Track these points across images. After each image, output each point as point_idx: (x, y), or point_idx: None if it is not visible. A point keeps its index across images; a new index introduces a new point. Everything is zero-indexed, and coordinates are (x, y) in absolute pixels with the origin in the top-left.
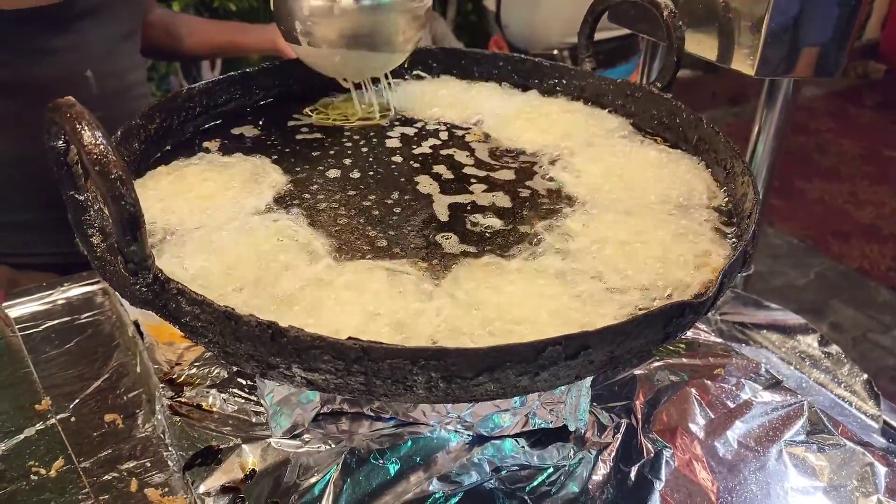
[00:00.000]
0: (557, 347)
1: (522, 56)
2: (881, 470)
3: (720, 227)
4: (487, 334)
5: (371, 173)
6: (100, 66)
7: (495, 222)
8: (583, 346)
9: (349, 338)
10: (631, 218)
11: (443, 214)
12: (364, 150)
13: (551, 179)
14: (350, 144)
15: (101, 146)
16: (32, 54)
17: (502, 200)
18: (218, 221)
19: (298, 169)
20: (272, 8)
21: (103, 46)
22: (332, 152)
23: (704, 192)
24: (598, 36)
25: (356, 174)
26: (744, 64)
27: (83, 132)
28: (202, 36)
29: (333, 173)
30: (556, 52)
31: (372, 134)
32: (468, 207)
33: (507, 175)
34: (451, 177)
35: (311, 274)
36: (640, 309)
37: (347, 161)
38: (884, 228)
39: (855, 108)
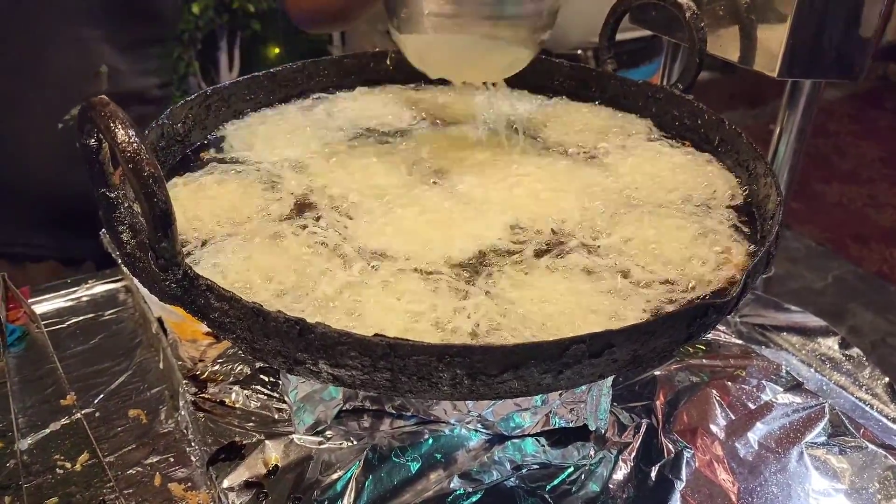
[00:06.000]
0: (581, 346)
1: (544, 57)
2: None
3: (740, 226)
4: (525, 329)
5: (395, 176)
6: (116, 64)
7: (527, 220)
8: (607, 344)
9: (376, 334)
10: (655, 216)
11: (472, 213)
12: (387, 151)
13: (582, 178)
14: (369, 147)
15: (135, 144)
16: (54, 40)
17: (535, 198)
18: (247, 229)
19: (314, 172)
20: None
21: (126, 46)
22: (347, 154)
23: (725, 192)
24: (622, 36)
25: (380, 177)
26: (766, 65)
27: (117, 130)
28: None
29: (353, 176)
30: (579, 52)
31: (396, 137)
32: (498, 207)
33: (536, 176)
34: (488, 173)
35: (347, 277)
36: (666, 302)
37: (366, 163)
38: None
39: (875, 110)
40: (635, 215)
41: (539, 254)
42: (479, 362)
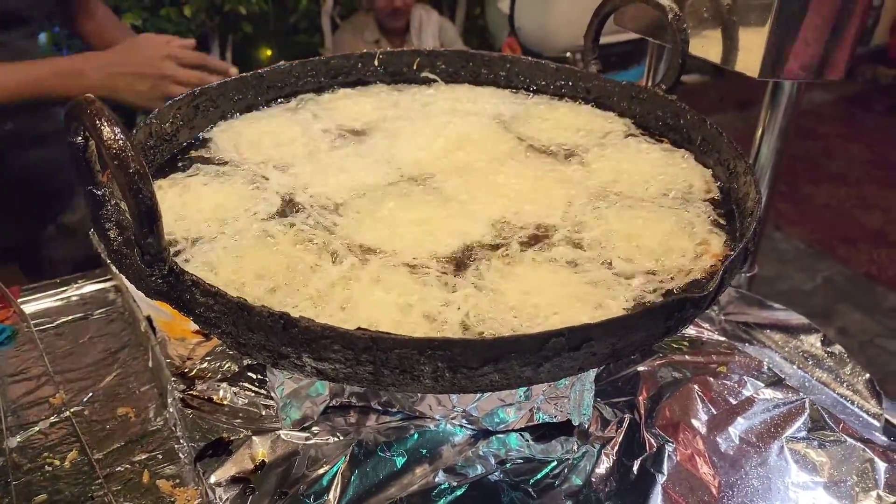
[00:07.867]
0: (561, 339)
1: (530, 58)
2: (881, 466)
3: (717, 220)
4: (514, 319)
5: (380, 175)
6: None
7: (511, 216)
8: (585, 337)
9: (358, 328)
10: (636, 210)
11: (456, 210)
12: (371, 151)
13: (564, 175)
14: (353, 147)
15: (121, 141)
16: None
17: (518, 194)
18: (236, 228)
19: (300, 172)
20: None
21: None
22: (332, 154)
23: (703, 188)
24: (611, 39)
25: (365, 177)
26: (747, 66)
27: (103, 128)
28: None
29: (338, 176)
30: (568, 54)
31: (380, 137)
32: (482, 204)
33: (519, 173)
34: (472, 171)
35: (338, 273)
36: (648, 292)
37: (351, 163)
38: (891, 233)
39: (864, 112)
40: (616, 209)
41: (524, 247)
42: (460, 355)
